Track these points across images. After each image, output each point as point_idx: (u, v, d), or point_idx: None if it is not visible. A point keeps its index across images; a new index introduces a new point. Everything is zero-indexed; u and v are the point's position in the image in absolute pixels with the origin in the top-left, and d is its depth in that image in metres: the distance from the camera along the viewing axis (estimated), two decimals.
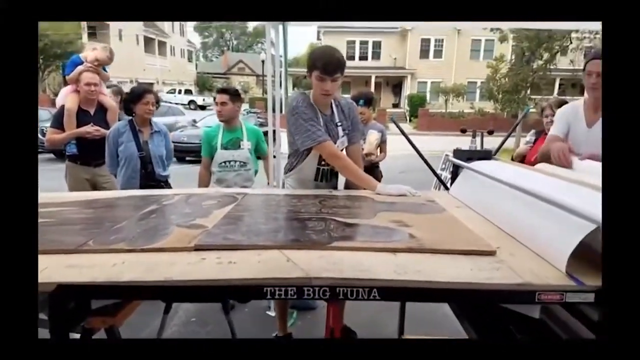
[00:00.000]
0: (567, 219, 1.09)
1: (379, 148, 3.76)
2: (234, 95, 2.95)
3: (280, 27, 2.94)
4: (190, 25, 45.60)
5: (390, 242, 1.23)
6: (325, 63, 1.87)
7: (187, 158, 10.14)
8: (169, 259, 1.11)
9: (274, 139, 3.01)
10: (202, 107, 29.99)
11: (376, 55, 28.48)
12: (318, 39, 31.42)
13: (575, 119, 2.29)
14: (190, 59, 43.20)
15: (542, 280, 1.01)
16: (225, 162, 2.94)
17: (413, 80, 27.38)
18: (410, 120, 25.03)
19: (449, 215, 1.57)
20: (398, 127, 2.40)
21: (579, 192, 1.27)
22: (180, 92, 32.08)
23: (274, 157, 3.03)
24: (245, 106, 23.57)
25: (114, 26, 26.74)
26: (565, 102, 2.85)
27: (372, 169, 3.51)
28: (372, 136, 3.68)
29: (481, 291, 1.00)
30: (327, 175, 2.15)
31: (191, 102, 30.92)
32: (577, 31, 12.73)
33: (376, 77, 27.39)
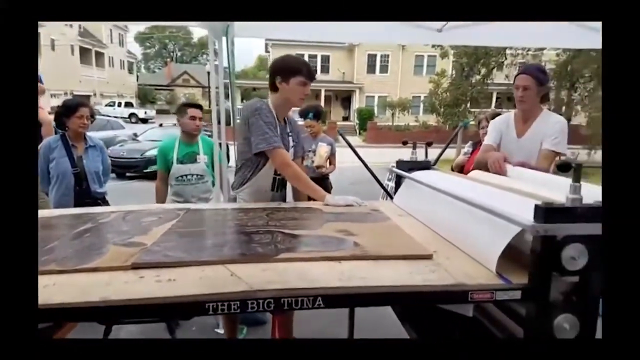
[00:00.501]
0: (496, 223, 1.16)
1: (328, 160, 3.82)
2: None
3: (224, 38, 2.93)
4: (130, 36, 44.11)
5: (335, 251, 1.25)
6: (309, 68, 2.03)
7: (128, 174, 9.69)
8: (104, 279, 1.05)
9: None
10: (144, 120, 28.89)
11: (325, 69, 29.02)
12: (266, 51, 31.50)
13: (507, 129, 2.46)
14: (130, 71, 41.57)
15: (474, 281, 1.07)
16: (182, 176, 2.96)
17: (361, 94, 28.16)
18: (359, 134, 25.64)
19: (392, 223, 1.63)
20: (345, 140, 2.46)
21: (507, 198, 1.36)
22: (120, 104, 30.68)
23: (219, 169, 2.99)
24: None
25: (46, 35, 25.16)
26: (500, 114, 3.07)
27: (322, 181, 3.55)
28: (322, 149, 3.74)
29: (418, 293, 1.04)
30: (281, 186, 2.16)
31: (132, 115, 29.68)
32: (511, 48, 13.78)
33: (326, 90, 27.85)
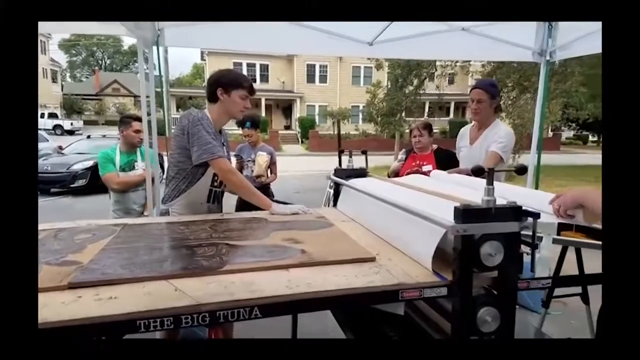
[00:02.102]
0: (428, 225, 1.22)
1: (269, 169, 3.81)
2: None
3: (154, 47, 2.85)
4: (53, 43, 41.04)
5: (282, 260, 1.27)
6: (251, 83, 2.11)
7: (53, 190, 8.98)
8: (39, 301, 0.97)
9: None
10: (70, 132, 26.97)
11: (264, 78, 28.97)
12: (202, 59, 30.80)
13: (462, 141, 2.74)
14: (54, 79, 38.56)
15: (414, 279, 1.14)
16: None
17: (302, 103, 28.43)
18: (302, 142, 25.81)
19: (337, 229, 1.68)
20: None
21: (437, 201, 1.44)
22: (43, 115, 28.34)
23: (152, 182, 2.89)
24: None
25: None
26: (429, 124, 3.27)
27: (264, 190, 3.53)
28: (261, 158, 3.72)
29: (353, 295, 1.07)
30: (218, 197, 2.13)
31: (57, 126, 27.61)
32: (440, 60, 14.64)
33: (266, 99, 27.79)
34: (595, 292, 1.92)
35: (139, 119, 3.10)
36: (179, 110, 27.45)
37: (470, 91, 2.62)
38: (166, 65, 3.03)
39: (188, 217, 1.94)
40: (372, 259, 1.28)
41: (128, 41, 51.95)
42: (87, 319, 0.90)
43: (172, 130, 2.44)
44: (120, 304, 0.97)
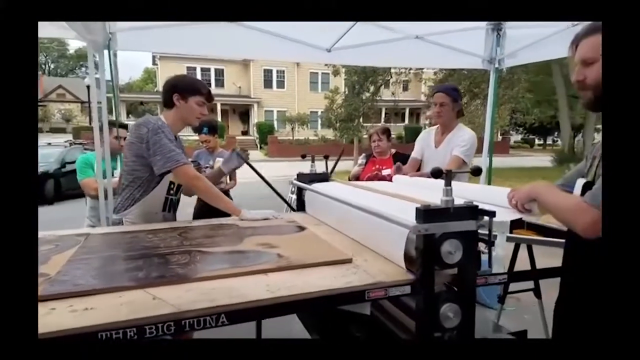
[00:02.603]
0: (395, 226, 1.25)
1: (228, 175, 3.76)
2: None
3: (106, 51, 2.75)
4: None
5: (260, 265, 1.27)
6: (209, 90, 2.09)
7: None
8: None
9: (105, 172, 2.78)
10: None
11: (220, 83, 28.51)
12: (154, 63, 29.86)
13: (428, 142, 2.82)
14: None
15: (391, 278, 1.17)
16: None
17: (260, 108, 28.22)
18: (260, 148, 25.58)
19: (310, 232, 1.70)
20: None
21: (399, 204, 1.51)
22: None
23: (105, 195, 2.77)
24: (67, 137, 20.42)
25: None
26: (388, 129, 3.38)
27: None
28: (219, 164, 3.67)
29: (320, 298, 1.09)
30: (174, 205, 2.10)
31: None
32: (395, 67, 15.09)
33: (222, 104, 27.32)
34: (546, 287, 2.07)
35: (124, 126, 3.06)
36: (130, 116, 26.39)
37: (433, 95, 2.74)
38: (116, 70, 2.92)
39: (155, 225, 1.89)
40: (349, 261, 1.31)
41: (74, 44, 49.51)
42: (65, 331, 0.87)
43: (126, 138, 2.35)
44: (98, 315, 0.94)
